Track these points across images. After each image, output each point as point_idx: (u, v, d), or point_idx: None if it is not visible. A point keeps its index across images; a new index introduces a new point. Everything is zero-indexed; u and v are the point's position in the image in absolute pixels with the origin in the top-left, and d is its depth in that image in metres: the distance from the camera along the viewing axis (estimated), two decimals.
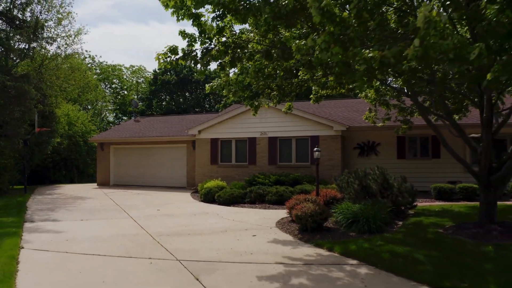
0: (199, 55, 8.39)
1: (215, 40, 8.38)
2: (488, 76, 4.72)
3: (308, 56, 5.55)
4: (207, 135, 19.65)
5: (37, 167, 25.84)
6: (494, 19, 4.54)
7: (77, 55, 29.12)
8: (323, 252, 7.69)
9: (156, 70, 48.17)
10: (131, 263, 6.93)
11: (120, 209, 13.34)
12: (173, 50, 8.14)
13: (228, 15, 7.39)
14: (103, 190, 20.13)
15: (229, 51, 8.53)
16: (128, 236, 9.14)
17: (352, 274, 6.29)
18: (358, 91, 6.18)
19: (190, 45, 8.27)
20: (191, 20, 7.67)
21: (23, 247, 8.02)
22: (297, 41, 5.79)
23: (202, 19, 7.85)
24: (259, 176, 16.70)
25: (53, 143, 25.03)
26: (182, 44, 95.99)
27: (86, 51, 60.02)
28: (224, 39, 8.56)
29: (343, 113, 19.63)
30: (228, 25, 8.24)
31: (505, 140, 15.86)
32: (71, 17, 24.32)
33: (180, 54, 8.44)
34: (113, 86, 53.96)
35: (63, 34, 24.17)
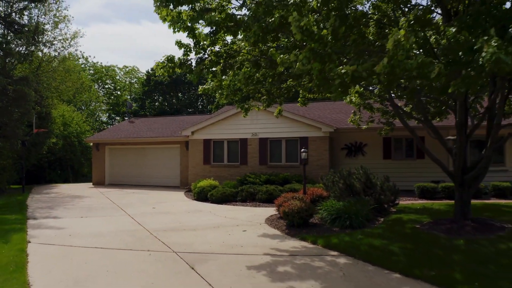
0: (193, 64, 9.04)
1: (209, 50, 9.02)
2: (450, 90, 5.39)
3: (291, 68, 6.18)
4: (200, 136, 20.10)
5: (32, 167, 26.15)
6: (452, 39, 5.21)
7: (71, 57, 29.53)
8: (308, 245, 8.34)
9: (149, 70, 48.38)
10: (131, 255, 7.51)
11: (117, 207, 13.85)
12: (171, 59, 8.80)
13: (220, 32, 8.05)
14: (99, 189, 20.56)
15: (221, 61, 9.17)
16: (126, 231, 9.70)
17: (332, 263, 6.94)
18: (334, 98, 6.81)
19: (185, 54, 8.91)
20: (187, 32, 8.30)
21: (30, 242, 8.57)
22: (282, 55, 6.45)
23: (197, 31, 8.48)
24: (250, 175, 17.27)
25: (48, 143, 25.39)
26: (174, 47, 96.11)
27: (81, 52, 60.46)
28: (217, 48, 9.21)
29: (331, 115, 20.21)
30: (221, 37, 8.89)
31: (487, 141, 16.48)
32: (67, 20, 24.77)
33: (177, 61, 9.07)
34: (106, 86, 54.25)
35: (60, 37, 24.66)
